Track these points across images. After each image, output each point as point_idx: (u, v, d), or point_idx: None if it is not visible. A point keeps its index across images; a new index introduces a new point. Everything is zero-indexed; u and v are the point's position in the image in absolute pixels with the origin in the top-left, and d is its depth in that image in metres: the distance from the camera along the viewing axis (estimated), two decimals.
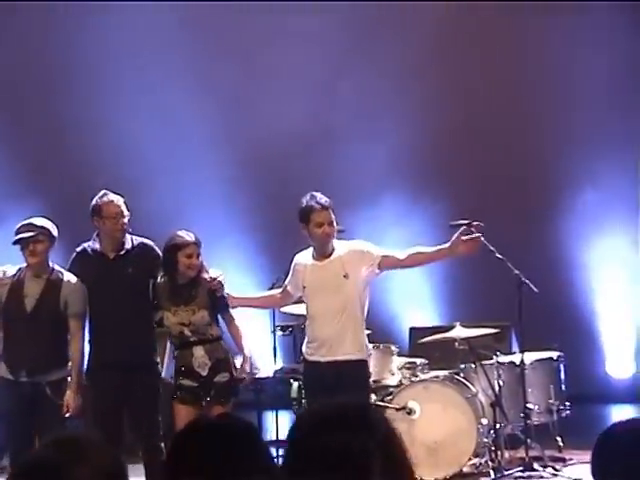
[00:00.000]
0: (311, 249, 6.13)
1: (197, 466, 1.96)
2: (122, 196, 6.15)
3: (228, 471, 1.92)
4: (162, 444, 6.01)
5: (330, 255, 6.06)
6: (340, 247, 6.09)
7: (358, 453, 1.75)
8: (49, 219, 6.03)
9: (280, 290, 6.35)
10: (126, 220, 6.07)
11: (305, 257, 6.18)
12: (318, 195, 6.01)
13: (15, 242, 5.89)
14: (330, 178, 8.89)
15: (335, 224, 6.02)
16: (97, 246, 6.13)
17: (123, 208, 6.07)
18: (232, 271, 6.93)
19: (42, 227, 5.92)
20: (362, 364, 6.05)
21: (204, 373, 5.98)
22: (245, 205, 8.84)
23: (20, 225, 5.97)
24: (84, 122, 9.53)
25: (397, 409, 6.96)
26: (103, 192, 6.12)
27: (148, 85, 9.57)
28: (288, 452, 1.93)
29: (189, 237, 5.97)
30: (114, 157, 9.34)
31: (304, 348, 6.24)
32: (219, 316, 6.14)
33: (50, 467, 1.86)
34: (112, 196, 6.12)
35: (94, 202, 6.09)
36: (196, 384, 5.97)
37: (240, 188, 9.11)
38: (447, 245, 6.01)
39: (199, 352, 5.99)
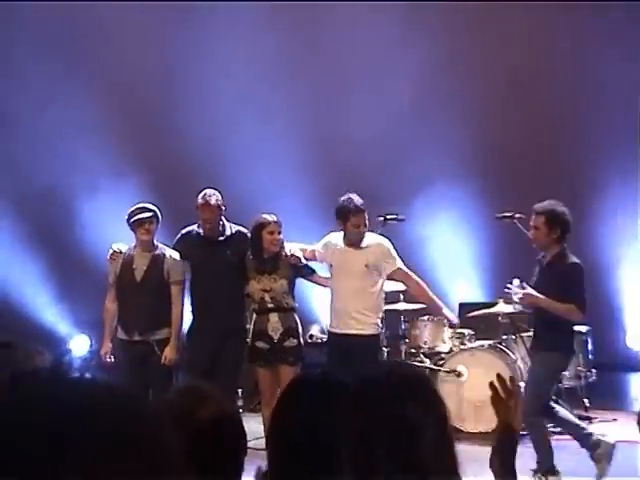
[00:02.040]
0: (342, 233, 6.66)
1: (301, 416, 2.03)
2: (219, 191, 6.82)
3: (327, 419, 1.95)
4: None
5: (358, 244, 6.62)
6: (369, 238, 6.63)
7: (413, 425, 1.70)
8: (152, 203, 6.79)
9: (309, 248, 6.86)
10: (210, 224, 6.73)
11: (337, 238, 6.71)
12: (355, 198, 6.52)
13: (134, 221, 6.62)
14: (393, 170, 9.50)
15: (367, 223, 6.55)
16: (201, 231, 6.89)
17: (212, 214, 6.71)
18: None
19: (154, 210, 6.73)
20: (374, 338, 6.57)
21: (275, 337, 6.58)
22: (320, 191, 9.01)
23: (135, 208, 6.71)
24: (182, 109, 9.89)
25: (448, 372, 7.63)
26: (203, 192, 6.81)
27: (243, 77, 9.91)
28: (350, 417, 1.89)
29: (271, 217, 6.62)
30: (208, 142, 9.74)
31: (328, 319, 6.81)
32: (309, 279, 6.85)
33: (178, 408, 2.03)
34: (208, 196, 6.76)
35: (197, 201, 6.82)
36: (268, 346, 6.60)
37: (313, 173, 9.43)
38: (442, 308, 6.93)
39: (274, 318, 6.61)
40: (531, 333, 7.88)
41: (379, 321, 6.68)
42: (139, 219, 6.65)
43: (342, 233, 6.72)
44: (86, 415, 0.94)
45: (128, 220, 6.71)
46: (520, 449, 2.34)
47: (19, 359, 2.13)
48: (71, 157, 10.08)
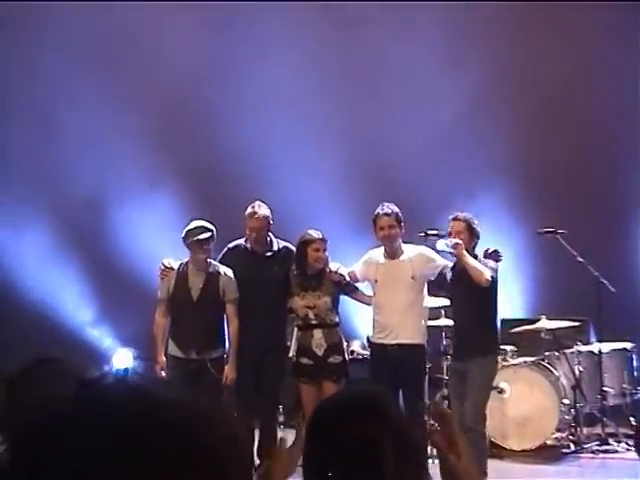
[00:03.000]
0: (382, 248, 6.76)
1: (335, 434, 1.92)
2: (268, 206, 6.85)
3: (361, 437, 1.85)
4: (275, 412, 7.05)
5: (400, 256, 6.70)
6: (409, 250, 6.72)
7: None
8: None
9: (348, 270, 6.87)
10: (257, 234, 6.78)
11: (377, 254, 6.77)
12: (386, 204, 6.67)
13: (194, 242, 6.58)
14: (434, 184, 9.42)
15: (397, 228, 6.61)
16: (248, 245, 6.94)
17: (261, 223, 6.78)
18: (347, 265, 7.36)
19: (212, 230, 6.70)
20: (421, 347, 6.62)
21: (320, 353, 6.61)
22: (359, 206, 8.80)
23: (195, 226, 6.67)
24: (222, 118, 9.83)
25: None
26: (252, 203, 6.89)
27: (286, 91, 9.83)
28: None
29: (317, 234, 6.67)
30: (248, 153, 9.68)
31: (371, 333, 6.79)
32: (352, 296, 6.86)
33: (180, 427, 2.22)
34: (257, 206, 6.85)
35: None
36: (312, 362, 6.62)
37: (356, 189, 9.38)
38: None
39: (318, 334, 6.64)
40: (574, 349, 8.04)
41: (425, 330, 6.74)
42: (199, 240, 6.62)
43: (382, 248, 6.80)
44: (154, 426, 0.96)
45: (185, 238, 6.67)
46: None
47: (67, 374, 2.17)
48: (110, 167, 10.09)
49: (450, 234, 6.55)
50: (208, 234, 6.68)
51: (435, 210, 8.64)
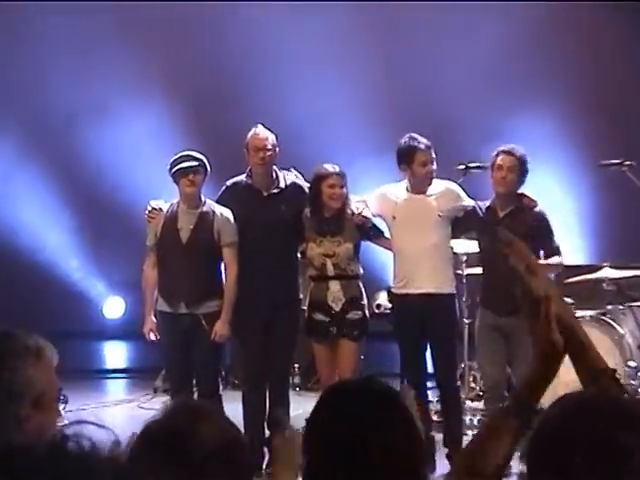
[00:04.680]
0: (403, 183, 6.21)
1: (337, 428, 1.99)
2: (272, 132, 6.19)
3: (368, 432, 1.94)
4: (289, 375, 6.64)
5: (426, 191, 6.16)
6: (436, 185, 6.19)
7: (623, 447, 1.62)
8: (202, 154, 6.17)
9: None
10: (268, 155, 6.10)
11: (398, 188, 6.23)
12: (418, 137, 6.13)
13: (176, 171, 6.00)
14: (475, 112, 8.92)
15: (435, 164, 6.15)
16: (250, 182, 6.21)
17: (268, 142, 6.11)
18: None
19: (200, 159, 6.07)
20: (450, 297, 6.16)
21: (337, 308, 6.05)
22: (386, 139, 8.31)
23: (179, 156, 6.09)
24: (223, 29, 9.52)
25: None
26: (254, 127, 6.21)
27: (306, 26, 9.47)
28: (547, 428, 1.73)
29: (332, 168, 6.06)
30: (253, 73, 9.41)
31: (392, 283, 6.34)
32: (376, 242, 6.32)
33: (176, 428, 1.92)
34: (259, 130, 6.19)
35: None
36: (328, 319, 6.07)
37: (383, 119, 8.95)
38: None
39: (335, 287, 6.07)
40: None
41: (453, 277, 6.32)
42: (182, 168, 6.03)
43: (403, 183, 6.24)
44: None
45: (170, 170, 6.13)
46: None
47: (15, 351, 2.14)
48: (92, 80, 9.66)
49: (494, 168, 6.05)
50: (194, 162, 6.05)
51: (475, 142, 8.27)
